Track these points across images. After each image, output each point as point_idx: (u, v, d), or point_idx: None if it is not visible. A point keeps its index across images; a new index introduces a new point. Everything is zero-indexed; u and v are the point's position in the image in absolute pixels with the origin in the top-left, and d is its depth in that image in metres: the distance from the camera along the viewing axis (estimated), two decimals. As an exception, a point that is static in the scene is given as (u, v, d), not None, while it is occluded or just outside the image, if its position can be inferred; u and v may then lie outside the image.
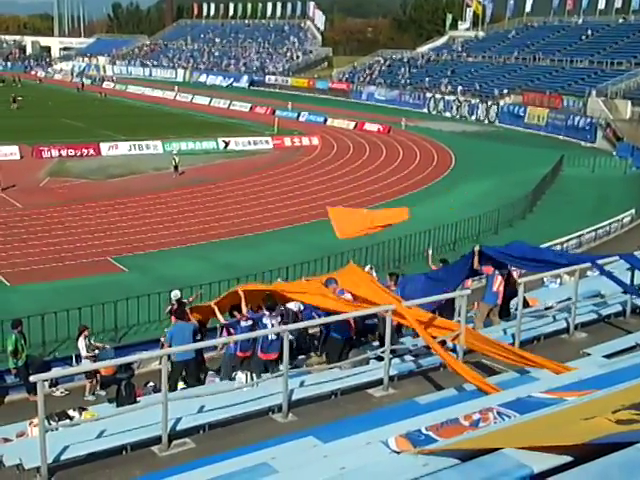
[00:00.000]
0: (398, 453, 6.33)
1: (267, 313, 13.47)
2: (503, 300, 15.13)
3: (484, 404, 7.75)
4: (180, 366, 14.71)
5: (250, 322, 13.91)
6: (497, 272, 14.24)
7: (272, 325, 13.32)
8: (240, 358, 14.01)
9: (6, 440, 12.02)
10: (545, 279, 19.23)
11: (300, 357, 14.59)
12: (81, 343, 17.40)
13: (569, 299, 13.29)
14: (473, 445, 5.86)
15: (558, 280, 20.05)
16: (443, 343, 11.67)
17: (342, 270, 14.71)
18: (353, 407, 9.97)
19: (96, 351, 17.56)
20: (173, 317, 15.44)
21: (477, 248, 13.95)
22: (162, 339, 15.70)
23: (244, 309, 13.82)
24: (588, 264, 13.27)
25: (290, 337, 13.98)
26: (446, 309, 14.23)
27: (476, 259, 13.77)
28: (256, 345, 13.62)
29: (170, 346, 13.87)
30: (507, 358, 10.56)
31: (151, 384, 15.23)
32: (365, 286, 13.06)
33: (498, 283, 14.25)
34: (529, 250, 14.44)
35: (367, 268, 17.63)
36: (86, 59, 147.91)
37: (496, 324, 13.51)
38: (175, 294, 18.23)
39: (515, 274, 15.75)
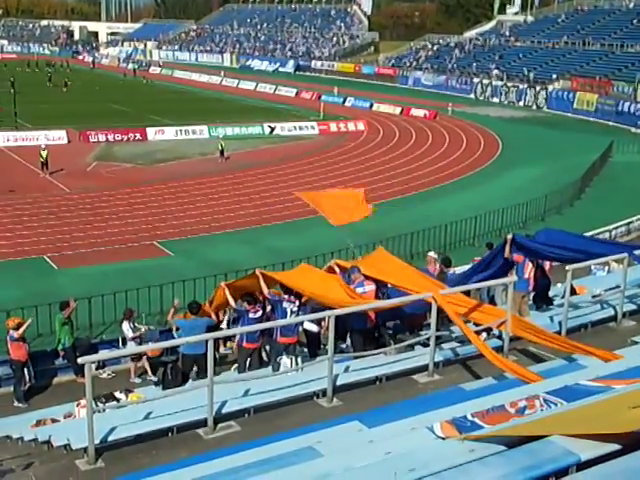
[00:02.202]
0: (443, 439, 6.33)
1: (286, 297, 13.27)
2: (539, 289, 15.07)
3: (530, 391, 7.72)
4: (189, 360, 14.22)
5: (259, 313, 13.73)
6: (527, 259, 14.11)
7: (291, 311, 13.16)
8: (249, 350, 13.86)
9: (54, 421, 12.23)
10: (593, 267, 19.03)
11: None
12: (125, 326, 17.60)
13: (617, 287, 13.15)
14: (519, 432, 5.84)
15: (606, 268, 19.82)
16: (489, 330, 11.64)
17: (370, 256, 14.53)
18: (398, 393, 9.96)
19: (141, 330, 17.76)
20: (188, 312, 15.18)
21: (510, 236, 13.80)
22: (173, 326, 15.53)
23: (265, 290, 13.50)
24: (625, 254, 13.06)
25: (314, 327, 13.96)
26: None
27: (507, 247, 13.57)
28: (275, 330, 13.41)
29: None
30: (554, 345, 10.49)
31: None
32: (396, 272, 12.96)
33: (529, 270, 14.12)
34: (563, 238, 14.27)
35: (432, 254, 17.27)
36: (133, 44, 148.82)
37: (525, 314, 13.37)
38: None
39: (547, 263, 15.61)
